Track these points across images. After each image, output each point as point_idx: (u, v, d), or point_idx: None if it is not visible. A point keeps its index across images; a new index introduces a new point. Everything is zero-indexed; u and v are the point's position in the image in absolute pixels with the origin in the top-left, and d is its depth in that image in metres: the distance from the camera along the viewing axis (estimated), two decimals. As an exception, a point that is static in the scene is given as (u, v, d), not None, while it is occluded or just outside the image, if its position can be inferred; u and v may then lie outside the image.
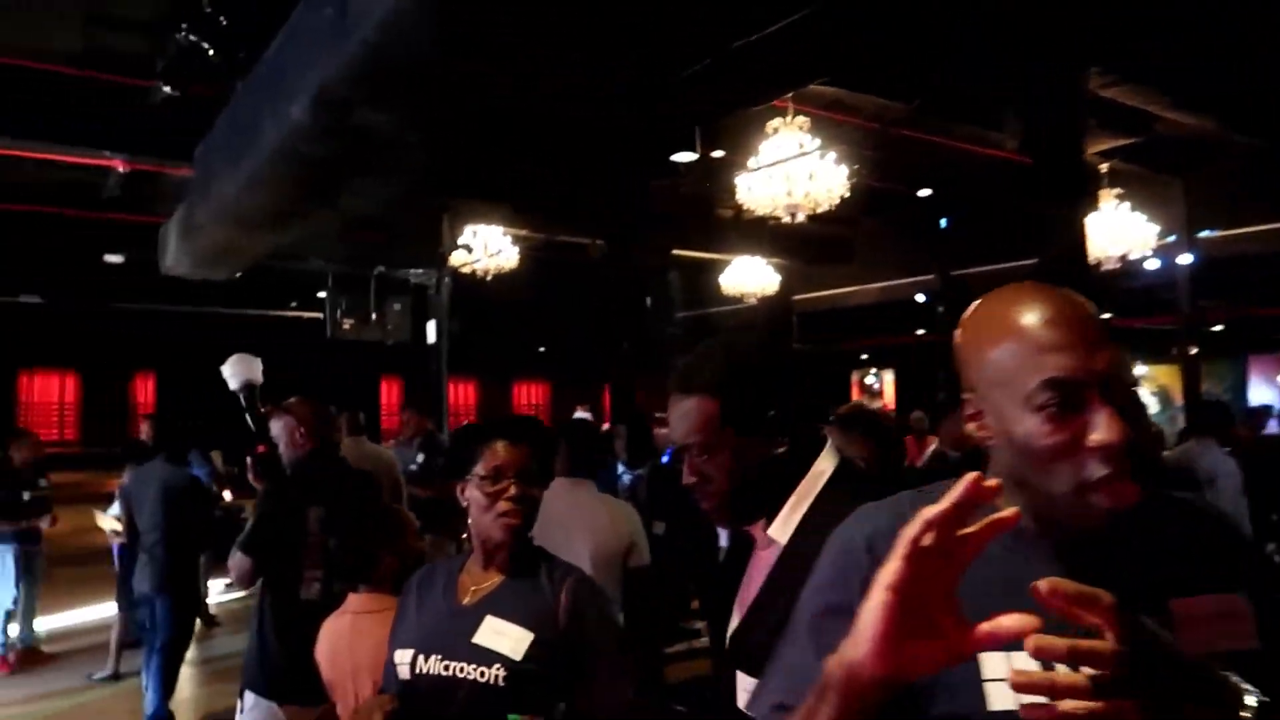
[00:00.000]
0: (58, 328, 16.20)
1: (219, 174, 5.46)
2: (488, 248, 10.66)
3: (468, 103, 3.65)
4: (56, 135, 6.38)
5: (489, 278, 11.00)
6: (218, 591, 7.92)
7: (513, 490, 1.77)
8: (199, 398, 8.71)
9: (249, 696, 2.85)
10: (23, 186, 7.60)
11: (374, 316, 10.32)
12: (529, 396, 24.81)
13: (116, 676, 5.81)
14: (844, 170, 7.60)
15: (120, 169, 6.48)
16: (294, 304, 12.63)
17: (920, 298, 12.83)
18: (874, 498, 1.34)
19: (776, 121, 7.55)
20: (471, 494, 1.80)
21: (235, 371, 3.07)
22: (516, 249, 10.88)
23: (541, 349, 21.45)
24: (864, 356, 17.76)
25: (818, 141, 7.47)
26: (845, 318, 14.77)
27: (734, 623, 1.40)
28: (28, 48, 5.57)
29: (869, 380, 17.78)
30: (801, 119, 7.53)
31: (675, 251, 12.16)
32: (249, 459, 3.05)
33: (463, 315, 11.89)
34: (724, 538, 4.19)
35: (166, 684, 4.88)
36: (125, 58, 5.68)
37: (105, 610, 6.81)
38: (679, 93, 4.16)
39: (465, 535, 1.88)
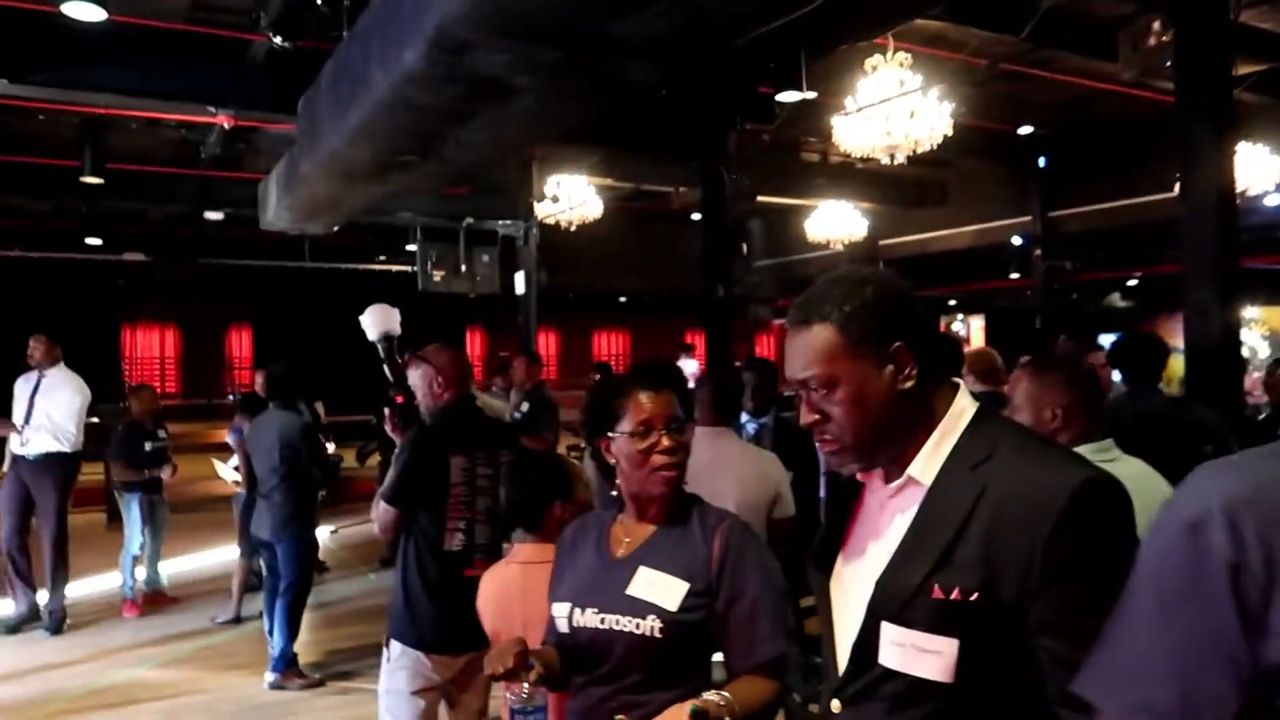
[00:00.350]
0: (159, 283, 16.75)
1: (325, 125, 5.46)
2: (572, 198, 10.62)
3: (583, 43, 3.56)
4: (163, 93, 6.47)
5: (572, 228, 10.98)
6: (324, 538, 8.16)
7: (664, 442, 1.72)
8: (292, 349, 8.94)
9: (395, 646, 2.86)
10: (131, 146, 7.78)
11: (463, 268, 10.41)
12: (609, 346, 24.91)
13: (238, 620, 6.01)
14: (947, 108, 7.28)
15: (225, 125, 6.55)
16: (382, 258, 12.82)
17: (1016, 240, 12.39)
18: (1028, 439, 1.25)
19: (875, 59, 7.25)
20: (620, 449, 1.74)
21: (374, 322, 3.04)
22: (600, 199, 10.82)
23: (622, 299, 21.45)
24: (951, 302, 17.33)
25: (919, 79, 7.16)
26: (932, 263, 14.38)
27: (841, 567, 1.32)
28: (142, 6, 5.64)
29: (955, 326, 17.37)
30: (902, 55, 7.21)
31: (758, 198, 11.94)
32: (387, 410, 3.04)
33: (546, 265, 11.94)
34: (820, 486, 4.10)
35: (292, 626, 5.01)
36: (231, 13, 5.71)
37: (226, 555, 7.07)
38: (794, 27, 4.01)
39: (615, 493, 1.83)
